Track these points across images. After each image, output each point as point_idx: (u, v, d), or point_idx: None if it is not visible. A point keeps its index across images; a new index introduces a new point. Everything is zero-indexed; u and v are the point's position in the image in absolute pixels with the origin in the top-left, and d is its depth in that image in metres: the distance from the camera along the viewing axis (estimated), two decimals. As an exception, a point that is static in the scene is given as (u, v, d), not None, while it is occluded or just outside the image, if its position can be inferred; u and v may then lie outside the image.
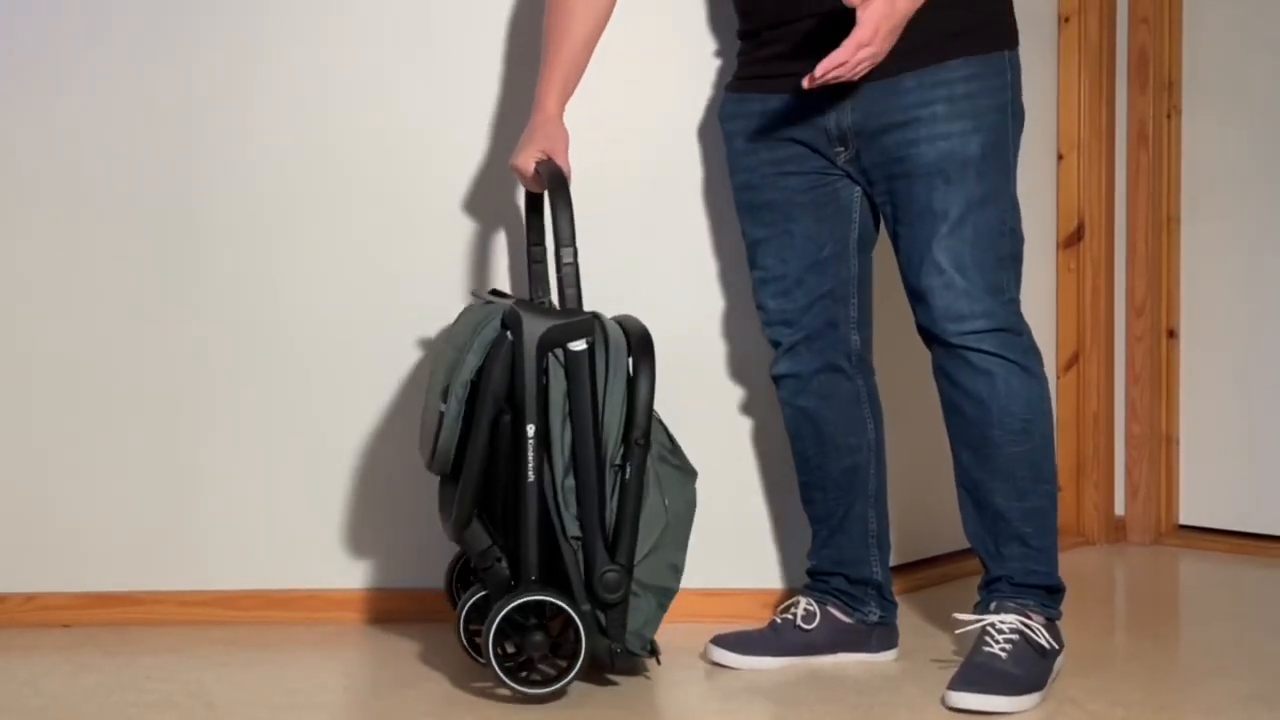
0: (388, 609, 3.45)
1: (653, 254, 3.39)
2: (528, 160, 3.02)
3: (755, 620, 3.26)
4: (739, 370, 3.40)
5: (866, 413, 3.17)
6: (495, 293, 3.19)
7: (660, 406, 3.06)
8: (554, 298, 3.14)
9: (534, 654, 2.92)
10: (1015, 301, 2.99)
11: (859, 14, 2.82)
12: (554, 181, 2.96)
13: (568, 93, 3.10)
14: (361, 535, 3.46)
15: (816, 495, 3.20)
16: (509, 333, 2.91)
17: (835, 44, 2.80)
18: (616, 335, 2.97)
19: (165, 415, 3.44)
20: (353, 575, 3.46)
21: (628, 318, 3.02)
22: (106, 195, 3.41)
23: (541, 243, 3.17)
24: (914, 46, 2.88)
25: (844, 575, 3.19)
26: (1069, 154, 4.14)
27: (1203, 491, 4.20)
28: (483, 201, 3.42)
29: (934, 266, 2.95)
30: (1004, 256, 2.97)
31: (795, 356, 3.14)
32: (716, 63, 3.37)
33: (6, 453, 3.42)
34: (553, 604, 2.90)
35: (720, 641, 3.18)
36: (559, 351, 2.91)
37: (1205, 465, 4.19)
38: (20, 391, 3.42)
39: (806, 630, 3.17)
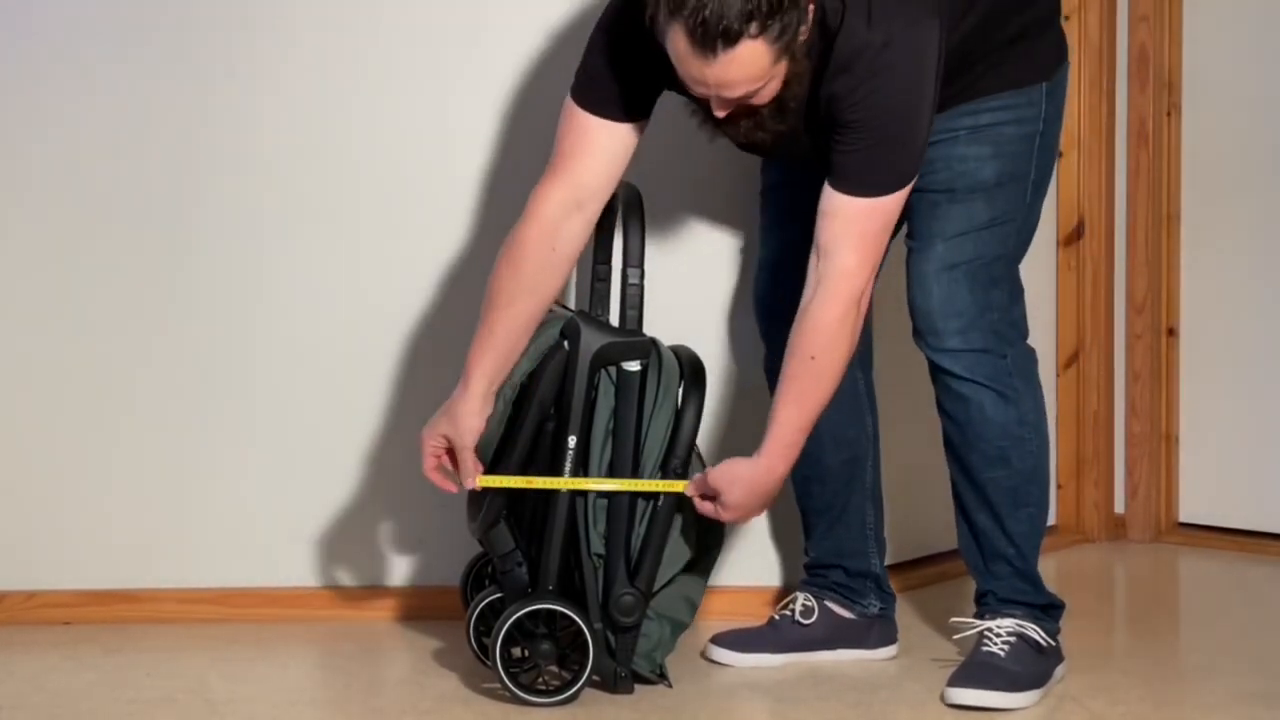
0: (389, 607, 3.45)
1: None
2: (428, 439, 2.93)
3: (754, 618, 3.26)
4: (727, 368, 3.40)
5: (865, 405, 3.16)
6: (557, 303, 3.18)
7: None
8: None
9: (540, 662, 2.92)
10: (1006, 320, 2.95)
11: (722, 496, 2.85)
12: (629, 200, 2.96)
13: (499, 374, 2.89)
14: (362, 533, 3.46)
15: (815, 488, 3.17)
16: (566, 342, 2.91)
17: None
18: (671, 363, 2.96)
19: (164, 413, 3.43)
20: (354, 573, 3.46)
21: (683, 348, 3.01)
22: (106, 194, 3.40)
23: (607, 261, 3.15)
24: (945, 99, 2.80)
25: (843, 568, 3.18)
26: (1069, 152, 4.13)
27: (1203, 489, 4.20)
28: (487, 204, 3.42)
29: (921, 282, 2.92)
30: (998, 277, 2.93)
31: None
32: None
33: (5, 450, 3.42)
34: (565, 616, 2.90)
35: (719, 640, 3.17)
36: (612, 369, 2.91)
37: (1205, 463, 4.19)
38: (19, 389, 3.42)
39: (805, 625, 3.17)
